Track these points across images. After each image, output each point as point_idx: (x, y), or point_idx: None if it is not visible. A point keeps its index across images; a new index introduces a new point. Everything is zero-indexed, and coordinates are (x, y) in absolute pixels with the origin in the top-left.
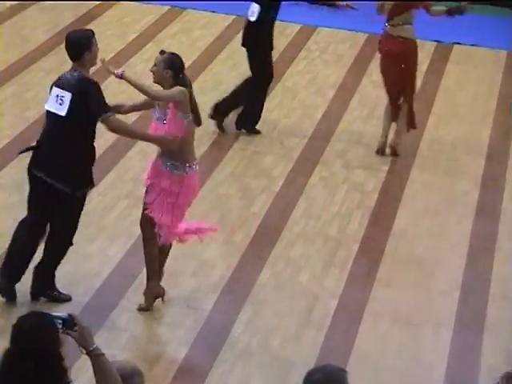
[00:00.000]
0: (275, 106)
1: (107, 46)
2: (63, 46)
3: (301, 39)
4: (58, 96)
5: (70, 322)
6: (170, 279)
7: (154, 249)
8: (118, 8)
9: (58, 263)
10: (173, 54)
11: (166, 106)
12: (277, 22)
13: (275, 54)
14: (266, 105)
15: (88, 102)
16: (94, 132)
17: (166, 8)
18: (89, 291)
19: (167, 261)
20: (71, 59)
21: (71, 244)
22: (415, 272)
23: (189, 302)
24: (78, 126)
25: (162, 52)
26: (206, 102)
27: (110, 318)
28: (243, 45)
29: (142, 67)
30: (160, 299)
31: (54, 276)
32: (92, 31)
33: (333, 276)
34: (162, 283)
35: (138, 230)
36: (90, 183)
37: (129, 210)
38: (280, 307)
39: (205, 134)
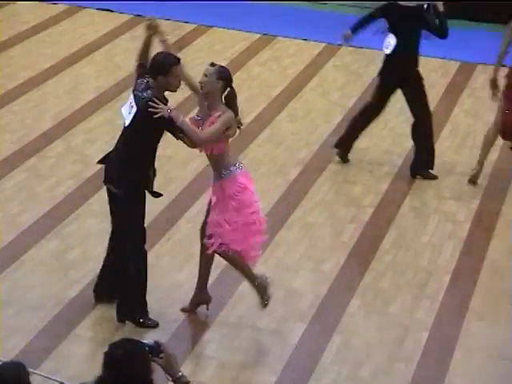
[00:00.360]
0: (365, 134)
1: (198, 73)
2: None
3: None
4: (130, 103)
5: (156, 349)
6: (259, 307)
7: (240, 263)
8: (209, 35)
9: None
10: (222, 66)
11: (208, 115)
12: (365, 50)
13: (365, 83)
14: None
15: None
16: (157, 142)
17: (257, 36)
18: (177, 319)
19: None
20: (150, 75)
21: (141, 252)
22: (509, 305)
23: (277, 330)
24: (138, 138)
25: (213, 64)
26: (294, 131)
27: (198, 345)
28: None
29: None
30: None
31: (145, 303)
32: (178, 59)
33: (424, 307)
34: (251, 310)
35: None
36: (146, 185)
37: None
38: (370, 338)
39: (293, 162)
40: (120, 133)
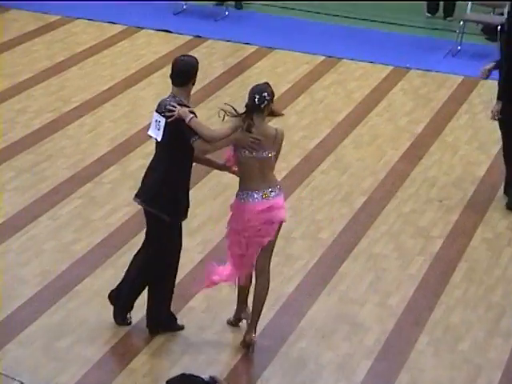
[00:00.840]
0: (434, 163)
1: None
2: (211, 97)
3: (462, 92)
4: (156, 121)
5: None
6: (322, 342)
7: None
8: (271, 57)
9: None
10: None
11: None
12: (435, 74)
13: (434, 108)
14: (423, 161)
15: (181, 128)
16: (188, 158)
17: (321, 58)
18: (237, 354)
19: (317, 322)
20: (175, 85)
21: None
22: None
23: (342, 366)
24: (172, 151)
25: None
26: (359, 158)
27: (258, 381)
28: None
29: (294, 120)
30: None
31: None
32: (197, 60)
33: (497, 346)
34: (314, 345)
35: (288, 290)
36: (186, 212)
37: (278, 268)
38: (439, 376)
39: (358, 190)
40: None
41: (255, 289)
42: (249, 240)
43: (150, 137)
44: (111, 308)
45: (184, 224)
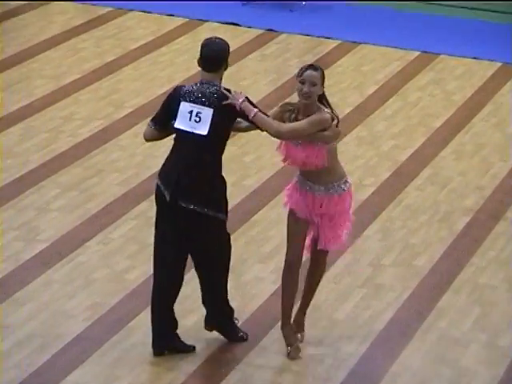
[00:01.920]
0: None
1: (342, 100)
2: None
3: None
4: (191, 112)
5: None
6: None
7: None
8: (356, 53)
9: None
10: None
11: None
12: None
13: None
14: None
15: (232, 117)
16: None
17: (416, 54)
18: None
19: (413, 366)
20: (208, 70)
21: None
22: None
23: None
24: (219, 145)
25: (313, 66)
26: (461, 171)
27: None
28: None
29: (384, 126)
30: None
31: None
32: (226, 46)
33: None
34: None
35: (378, 327)
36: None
37: (367, 301)
38: None
39: (460, 209)
40: (180, 147)
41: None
42: None
43: (178, 130)
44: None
45: (255, 248)
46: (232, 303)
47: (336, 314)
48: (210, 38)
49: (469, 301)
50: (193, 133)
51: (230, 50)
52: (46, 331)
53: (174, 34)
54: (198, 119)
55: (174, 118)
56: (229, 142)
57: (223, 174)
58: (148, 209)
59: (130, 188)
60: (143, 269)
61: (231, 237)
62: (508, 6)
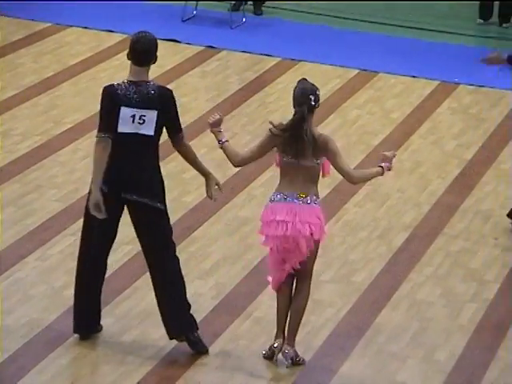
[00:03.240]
0: (487, 194)
1: (282, 117)
2: (226, 118)
3: None
4: (134, 116)
5: None
6: None
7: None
8: (296, 70)
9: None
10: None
11: None
12: (488, 90)
13: (487, 130)
14: (475, 192)
15: (172, 118)
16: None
17: (355, 72)
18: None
19: (351, 381)
20: (141, 65)
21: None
22: None
23: None
24: (158, 140)
25: (308, 83)
26: (400, 188)
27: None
28: None
29: None
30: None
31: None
32: (155, 39)
33: None
34: None
35: (317, 342)
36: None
37: (305, 316)
38: None
39: (399, 226)
40: (122, 149)
41: (294, 297)
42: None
43: (120, 134)
44: (109, 364)
45: (195, 264)
46: None
47: (275, 329)
48: (139, 33)
49: (407, 316)
50: (137, 133)
51: (171, 66)
52: None
53: (114, 50)
54: (141, 121)
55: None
56: (168, 158)
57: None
58: None
59: (68, 204)
60: None
61: None
62: (444, 25)
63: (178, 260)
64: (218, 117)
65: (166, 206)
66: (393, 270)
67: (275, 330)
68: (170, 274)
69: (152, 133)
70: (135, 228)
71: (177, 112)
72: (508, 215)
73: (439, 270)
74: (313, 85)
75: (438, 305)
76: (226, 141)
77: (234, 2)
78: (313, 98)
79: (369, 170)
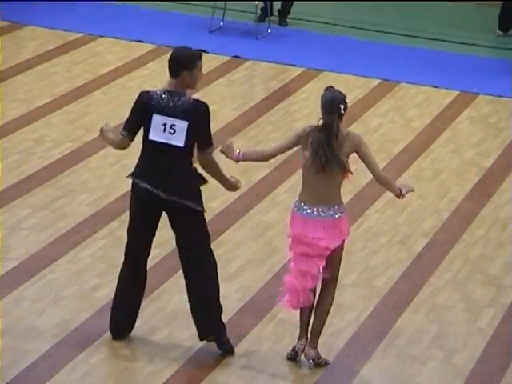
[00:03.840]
0: (506, 201)
1: (306, 125)
2: (252, 126)
3: None
4: (166, 125)
5: None
6: None
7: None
8: (320, 80)
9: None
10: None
11: None
12: (506, 100)
13: (506, 139)
14: (493, 200)
15: (203, 132)
16: None
17: (376, 82)
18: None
19: (371, 383)
20: (171, 75)
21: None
22: None
23: None
24: (191, 150)
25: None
26: (420, 195)
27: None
28: None
29: None
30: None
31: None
32: (200, 54)
33: None
34: None
35: (339, 345)
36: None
37: (328, 319)
38: None
39: (419, 232)
40: (155, 156)
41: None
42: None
43: (151, 142)
44: (138, 363)
45: (221, 268)
46: None
47: (298, 331)
48: (178, 47)
49: (426, 320)
50: (168, 144)
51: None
52: (16, 348)
53: (143, 60)
54: (172, 131)
55: (145, 126)
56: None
57: None
58: (117, 228)
59: (99, 208)
60: (111, 287)
61: None
62: (464, 36)
63: (216, 262)
64: (229, 144)
65: (203, 209)
66: (413, 274)
67: (298, 332)
68: (207, 275)
69: (182, 144)
70: (175, 229)
71: (209, 127)
72: None
73: (458, 275)
74: (341, 93)
75: (457, 309)
76: (239, 152)
77: (259, 14)
78: (342, 107)
79: (393, 182)
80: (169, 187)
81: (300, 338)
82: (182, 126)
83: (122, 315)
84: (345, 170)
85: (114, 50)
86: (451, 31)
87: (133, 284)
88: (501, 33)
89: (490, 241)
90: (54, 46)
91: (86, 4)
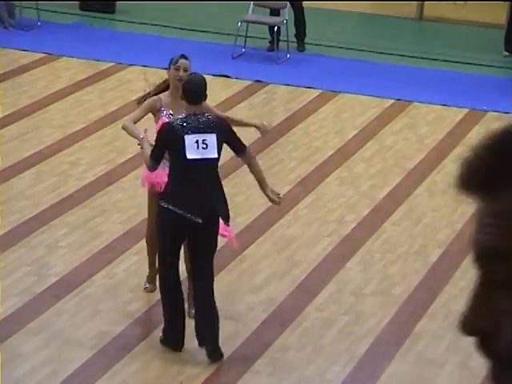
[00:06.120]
0: None
1: (324, 143)
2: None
3: None
4: (197, 141)
5: None
6: None
7: None
8: (336, 101)
9: None
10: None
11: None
12: None
13: None
14: None
15: (231, 139)
16: None
17: (390, 101)
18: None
19: None
20: (195, 103)
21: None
22: None
23: None
24: (217, 163)
25: (185, 57)
26: (434, 208)
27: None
28: None
29: (362, 167)
30: None
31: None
32: (205, 79)
33: None
34: None
35: (360, 351)
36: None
37: (349, 327)
38: None
39: (434, 242)
40: (192, 174)
41: None
42: None
43: (189, 161)
44: (171, 372)
45: (247, 280)
46: (225, 329)
47: (322, 339)
48: (190, 75)
49: (443, 326)
50: (203, 159)
51: (222, 99)
52: (57, 358)
53: None
54: (205, 146)
55: (176, 151)
56: (223, 182)
57: None
58: None
59: (131, 226)
60: (144, 300)
61: (225, 269)
62: (472, 57)
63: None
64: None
65: (228, 222)
66: (429, 283)
67: (322, 340)
68: (211, 287)
69: (216, 155)
70: (193, 247)
71: (235, 133)
72: None
73: (472, 283)
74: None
75: None
76: None
77: (269, 43)
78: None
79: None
80: (205, 209)
81: None
82: (212, 138)
83: (183, 324)
84: None
85: (143, 77)
86: (460, 53)
87: (178, 294)
88: (507, 53)
89: None
90: (86, 75)
91: (115, 35)
